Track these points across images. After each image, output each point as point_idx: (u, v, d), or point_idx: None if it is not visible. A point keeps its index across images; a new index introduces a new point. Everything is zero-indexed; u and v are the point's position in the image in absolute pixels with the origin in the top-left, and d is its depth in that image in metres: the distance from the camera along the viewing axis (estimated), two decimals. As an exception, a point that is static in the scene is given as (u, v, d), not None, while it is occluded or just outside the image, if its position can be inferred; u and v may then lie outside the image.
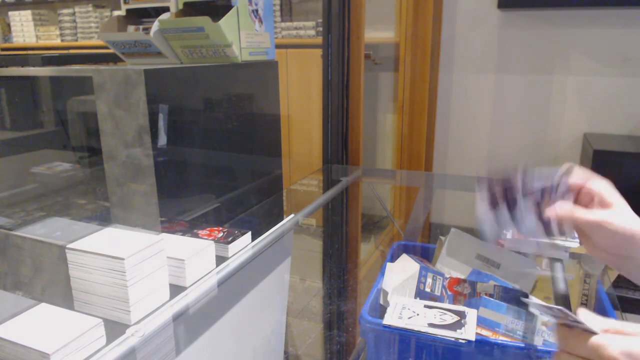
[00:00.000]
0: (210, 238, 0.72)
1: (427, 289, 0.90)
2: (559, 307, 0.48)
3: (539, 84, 2.35)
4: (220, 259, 0.70)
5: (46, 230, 0.61)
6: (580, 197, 0.62)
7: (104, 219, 0.99)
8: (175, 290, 0.62)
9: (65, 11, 3.64)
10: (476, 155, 2.56)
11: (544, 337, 0.79)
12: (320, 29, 2.15)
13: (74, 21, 3.64)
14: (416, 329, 0.76)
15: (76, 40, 3.66)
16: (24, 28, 3.79)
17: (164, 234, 0.61)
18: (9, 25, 3.89)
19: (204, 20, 1.02)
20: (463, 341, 0.73)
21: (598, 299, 0.88)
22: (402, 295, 0.89)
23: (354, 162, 1.66)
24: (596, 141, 2.08)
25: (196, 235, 0.73)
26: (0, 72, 1.15)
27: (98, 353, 0.49)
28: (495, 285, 0.88)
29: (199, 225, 0.78)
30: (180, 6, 1.10)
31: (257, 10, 1.15)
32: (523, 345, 0.76)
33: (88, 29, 3.61)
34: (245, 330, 0.75)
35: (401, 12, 2.35)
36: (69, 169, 1.17)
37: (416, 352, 0.78)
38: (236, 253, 0.73)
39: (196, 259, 0.64)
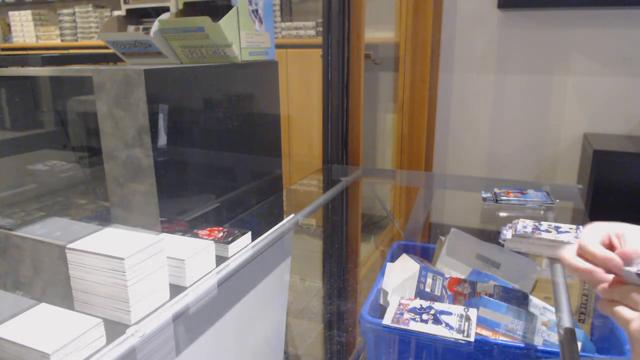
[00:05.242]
0: (210, 238, 0.72)
1: (427, 289, 0.90)
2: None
3: (539, 84, 2.35)
4: (220, 259, 0.70)
5: (46, 230, 0.61)
6: None
7: (104, 219, 0.99)
8: (175, 290, 0.62)
9: (65, 11, 3.64)
10: (476, 155, 2.56)
11: (544, 337, 0.79)
12: (320, 29, 2.15)
13: (74, 21, 3.64)
14: (416, 329, 0.76)
15: (76, 40, 3.66)
16: (24, 28, 3.79)
17: (164, 234, 0.61)
18: (9, 25, 3.89)
19: (204, 20, 1.02)
20: (463, 341, 0.73)
21: (598, 299, 0.88)
22: (402, 295, 0.89)
23: (354, 162, 1.66)
24: (596, 141, 2.08)
25: (196, 235, 0.73)
26: (0, 72, 1.14)
27: (98, 353, 0.49)
28: (495, 285, 0.88)
29: (199, 225, 0.78)
30: (180, 6, 1.10)
31: (257, 10, 1.15)
32: (523, 345, 0.76)
33: (88, 29, 3.61)
34: (245, 330, 0.75)
35: (401, 12, 2.35)
36: (69, 169, 1.17)
37: (416, 352, 0.78)
38: (236, 253, 0.73)
39: (196, 259, 0.64)
